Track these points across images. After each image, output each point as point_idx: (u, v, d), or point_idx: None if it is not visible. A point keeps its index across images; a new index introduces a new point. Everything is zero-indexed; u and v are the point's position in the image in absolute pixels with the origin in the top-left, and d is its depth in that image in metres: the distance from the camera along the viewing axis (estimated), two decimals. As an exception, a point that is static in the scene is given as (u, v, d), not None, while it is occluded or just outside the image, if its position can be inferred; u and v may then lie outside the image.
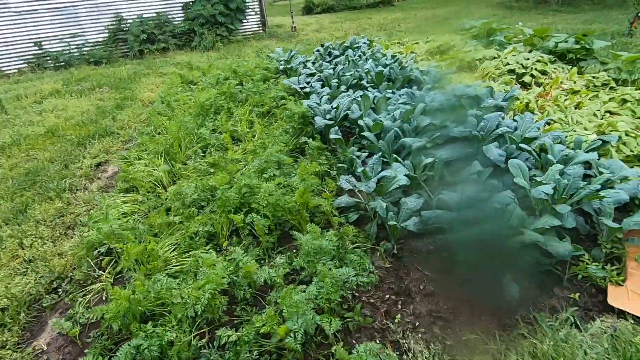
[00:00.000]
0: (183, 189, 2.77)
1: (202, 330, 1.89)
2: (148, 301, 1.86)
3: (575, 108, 4.14)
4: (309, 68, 5.48)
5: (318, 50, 6.74)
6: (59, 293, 2.30)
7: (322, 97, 4.23)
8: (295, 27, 13.40)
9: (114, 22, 10.29)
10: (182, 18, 10.95)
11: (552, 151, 2.81)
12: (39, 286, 2.30)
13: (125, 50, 10.34)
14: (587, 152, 2.93)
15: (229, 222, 2.55)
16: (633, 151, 3.10)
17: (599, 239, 2.31)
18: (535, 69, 4.89)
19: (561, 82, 4.75)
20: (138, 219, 2.78)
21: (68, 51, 9.51)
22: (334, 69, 5.16)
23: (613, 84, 4.60)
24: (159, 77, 7.01)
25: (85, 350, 1.88)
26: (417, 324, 1.98)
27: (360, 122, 3.40)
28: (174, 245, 2.38)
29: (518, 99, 4.14)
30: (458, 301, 2.10)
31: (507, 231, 2.11)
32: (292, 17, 13.76)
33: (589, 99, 4.27)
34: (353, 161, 3.12)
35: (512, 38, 6.42)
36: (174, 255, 2.27)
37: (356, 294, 2.17)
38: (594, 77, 4.67)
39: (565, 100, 4.31)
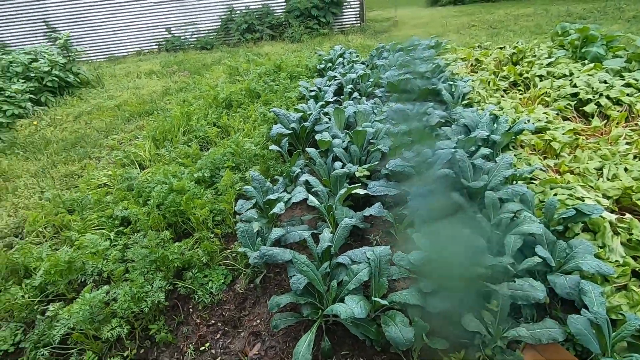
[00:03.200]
0: (131, 173, 3.16)
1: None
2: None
3: (635, 158, 3.01)
4: (337, 71, 5.30)
5: (372, 52, 6.41)
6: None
7: (319, 103, 4.10)
8: (397, 21, 12.84)
9: (226, 12, 11.66)
10: (284, 10, 11.67)
11: (494, 211, 2.19)
12: None
13: (231, 39, 11.65)
14: (558, 223, 2.19)
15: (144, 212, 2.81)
16: (648, 235, 2.14)
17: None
18: (607, 97, 3.68)
19: (643, 117, 3.48)
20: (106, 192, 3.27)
21: (184, 37, 11.24)
22: (359, 74, 4.87)
23: None
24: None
25: None
26: (212, 360, 1.91)
27: (317, 136, 3.21)
28: (91, 221, 2.78)
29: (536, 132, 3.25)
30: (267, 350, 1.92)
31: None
32: (395, 10, 13.18)
33: (667, 148, 3.05)
34: (292, 175, 3.02)
35: (619, 50, 4.88)
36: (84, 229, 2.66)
37: (191, 310, 2.19)
38: (697, 118, 3.28)
39: (628, 144, 3.17)
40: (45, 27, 10.80)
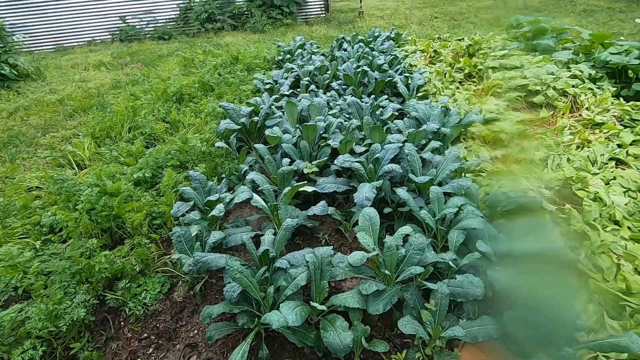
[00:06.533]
0: (63, 175, 2.89)
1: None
2: None
3: (578, 148, 3.10)
4: (295, 63, 5.15)
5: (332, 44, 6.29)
6: None
7: (273, 97, 3.95)
8: (362, 12, 12.77)
9: (185, 1, 11.11)
10: (246, -1, 11.27)
11: (439, 206, 2.16)
12: None
13: (190, 28, 11.13)
14: (502, 215, 2.19)
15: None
16: (586, 224, 2.19)
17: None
18: (554, 88, 3.78)
19: (586, 108, 3.60)
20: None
21: (140, 27, 10.62)
22: (316, 66, 4.75)
23: (667, 120, 3.32)
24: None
25: None
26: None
27: (267, 131, 3.07)
28: (14, 229, 2.52)
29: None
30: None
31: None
32: (360, 0, 13.08)
33: (607, 138, 3.16)
34: (239, 172, 2.88)
35: (567, 42, 5.04)
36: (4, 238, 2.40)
37: (122, 323, 2.02)
38: (634, 108, 3.42)
39: (572, 134, 3.26)
40: (-18, 14, 9.86)
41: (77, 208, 2.44)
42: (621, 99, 3.76)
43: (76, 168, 3.43)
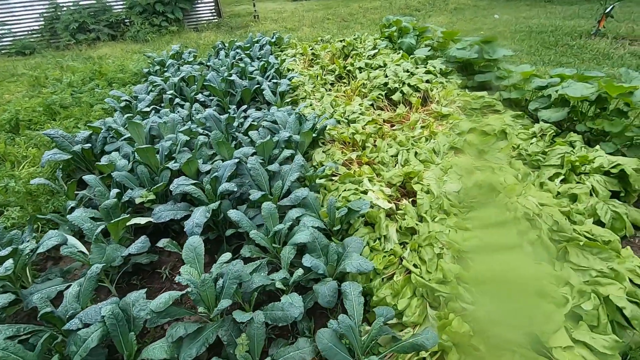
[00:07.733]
0: None
1: None
2: None
3: (426, 140, 3.29)
4: (165, 74, 4.76)
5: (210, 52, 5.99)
6: None
7: (127, 115, 3.54)
8: (257, 15, 12.57)
9: (50, 10, 9.77)
10: (124, 5, 10.30)
11: (273, 223, 2.07)
12: None
13: (60, 40, 9.82)
14: (340, 221, 2.17)
15: None
16: (419, 217, 2.30)
17: None
18: (408, 85, 4.01)
19: (437, 101, 3.88)
20: None
21: (-9, 40, 9.08)
22: (182, 77, 4.42)
23: (500, 106, 3.71)
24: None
25: None
26: None
27: (104, 159, 2.71)
28: None
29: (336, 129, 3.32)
30: None
31: None
32: (254, 5, 12.90)
33: (450, 128, 3.42)
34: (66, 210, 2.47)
35: (427, 40, 5.46)
36: None
37: None
38: (474, 99, 3.77)
39: (422, 127, 3.46)
40: None
41: None
42: (467, 90, 4.15)
43: None
